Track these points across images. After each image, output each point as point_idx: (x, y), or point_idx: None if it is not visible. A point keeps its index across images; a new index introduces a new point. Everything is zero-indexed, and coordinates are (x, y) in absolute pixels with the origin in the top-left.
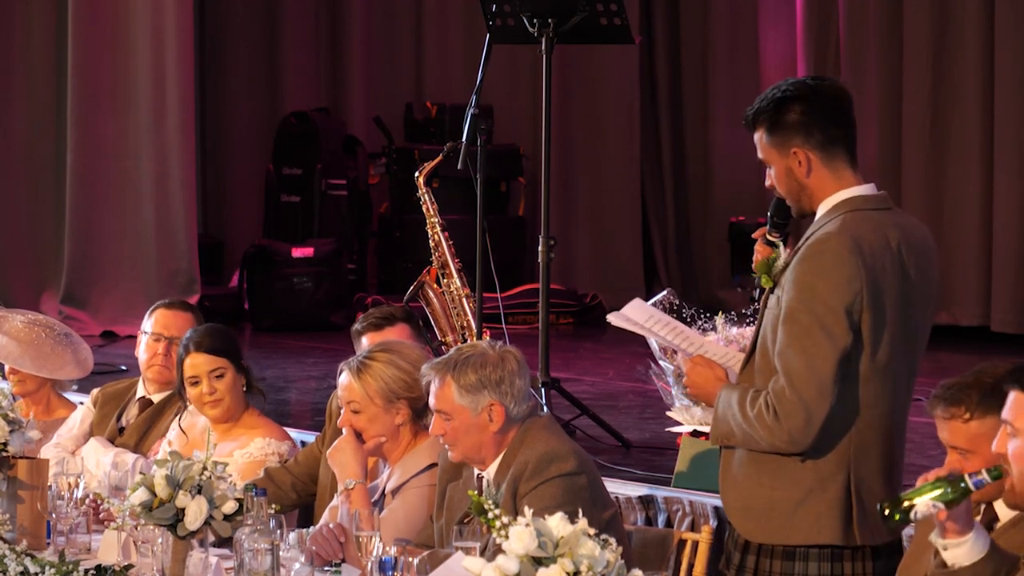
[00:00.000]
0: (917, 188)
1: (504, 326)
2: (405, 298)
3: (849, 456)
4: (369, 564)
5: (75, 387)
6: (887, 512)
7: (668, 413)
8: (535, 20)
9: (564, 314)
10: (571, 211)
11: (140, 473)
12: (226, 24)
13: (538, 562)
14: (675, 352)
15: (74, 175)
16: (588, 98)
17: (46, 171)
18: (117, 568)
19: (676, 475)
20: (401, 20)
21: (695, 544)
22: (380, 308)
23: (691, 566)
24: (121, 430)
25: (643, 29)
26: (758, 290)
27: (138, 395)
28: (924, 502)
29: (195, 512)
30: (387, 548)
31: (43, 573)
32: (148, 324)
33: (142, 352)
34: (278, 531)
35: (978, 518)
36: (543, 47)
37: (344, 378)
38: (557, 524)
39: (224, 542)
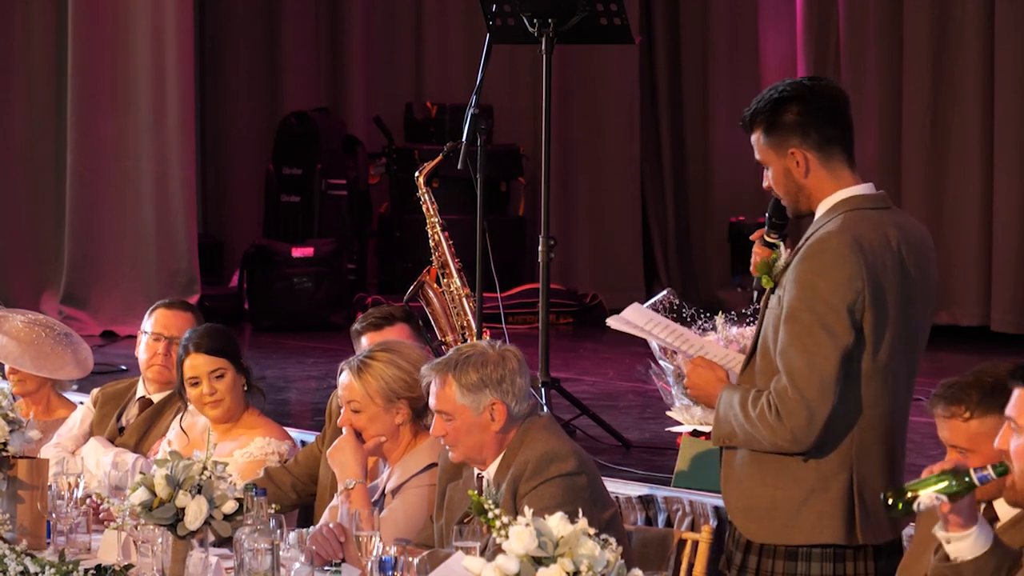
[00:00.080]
0: (917, 188)
1: (504, 326)
2: (405, 298)
3: (851, 455)
4: (369, 564)
5: (75, 387)
6: (890, 501)
7: (668, 413)
8: (535, 20)
9: (564, 314)
10: (571, 211)
11: (140, 473)
12: (226, 24)
13: (538, 562)
14: (675, 352)
15: (74, 175)
16: (588, 98)
17: (46, 171)
18: (117, 568)
19: (676, 475)
20: (401, 20)
21: (695, 544)
22: (380, 308)
23: (691, 566)
24: (121, 430)
25: (643, 29)
26: (756, 292)
27: (138, 395)
28: (928, 494)
29: (195, 512)
30: (387, 548)
31: (43, 573)
32: (148, 324)
33: (142, 352)
34: (278, 531)
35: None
36: (543, 47)
37: (344, 377)
38: (557, 524)
39: (224, 542)
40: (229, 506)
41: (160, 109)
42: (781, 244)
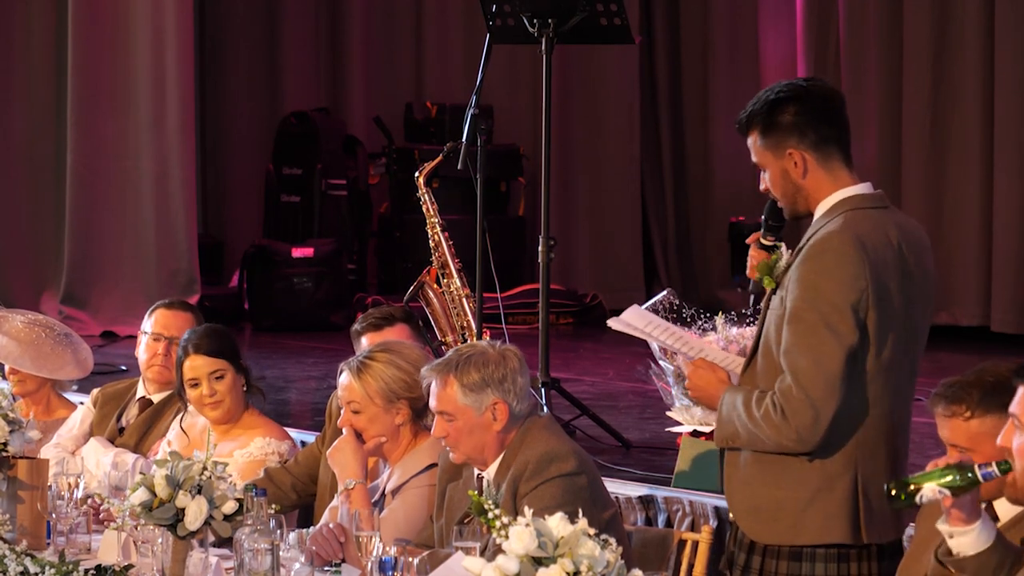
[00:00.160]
0: (917, 188)
1: (504, 326)
2: (405, 298)
3: (855, 455)
4: (369, 564)
5: (75, 387)
6: (893, 492)
7: (668, 413)
8: (535, 20)
9: (564, 314)
10: (571, 211)
11: (140, 473)
12: (226, 24)
13: (538, 562)
14: (675, 353)
15: (74, 175)
16: (588, 98)
17: (46, 171)
18: (117, 568)
19: (676, 475)
20: (401, 20)
21: (695, 544)
22: (380, 308)
23: (691, 566)
24: (121, 430)
25: (643, 29)
26: (753, 296)
27: (138, 395)
28: (931, 487)
29: (195, 512)
30: (387, 548)
31: (43, 573)
32: (148, 324)
33: (142, 352)
34: (278, 531)
35: None
36: (543, 47)
37: (344, 378)
38: (557, 524)
39: (224, 542)
40: (229, 506)
41: (160, 109)
42: (782, 245)
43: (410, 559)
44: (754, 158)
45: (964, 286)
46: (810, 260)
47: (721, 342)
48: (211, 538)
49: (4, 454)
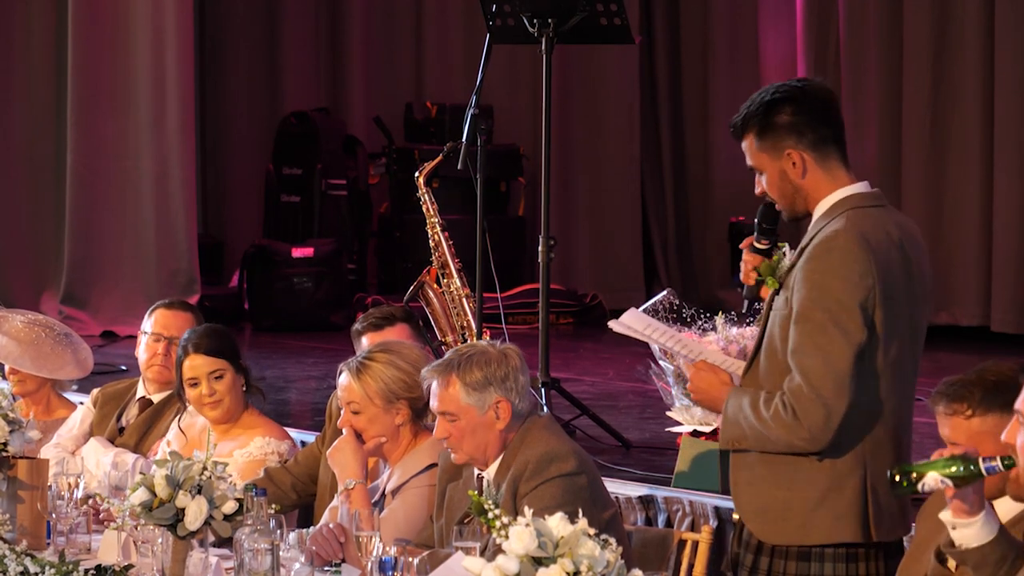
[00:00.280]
0: (917, 188)
1: (504, 326)
2: (405, 298)
3: (864, 453)
4: (369, 564)
5: (75, 387)
6: (897, 479)
7: (668, 413)
8: (535, 20)
9: (564, 314)
10: (571, 211)
11: (140, 473)
12: (226, 24)
13: (538, 562)
14: (675, 355)
15: (74, 175)
16: (588, 98)
17: (46, 171)
18: (117, 568)
19: (676, 475)
20: (401, 20)
21: (695, 544)
22: (380, 308)
23: (691, 566)
24: (121, 430)
25: (643, 29)
26: (747, 300)
27: (138, 395)
28: (933, 476)
29: (195, 512)
30: (387, 548)
31: (43, 573)
32: (148, 324)
33: (142, 352)
34: (278, 531)
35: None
36: (543, 47)
37: (344, 379)
38: (557, 524)
39: (224, 542)
40: (229, 506)
41: (160, 109)
42: (786, 245)
43: (410, 559)
44: (750, 161)
45: (964, 286)
46: (816, 259)
47: (721, 342)
48: (211, 538)
49: (4, 454)
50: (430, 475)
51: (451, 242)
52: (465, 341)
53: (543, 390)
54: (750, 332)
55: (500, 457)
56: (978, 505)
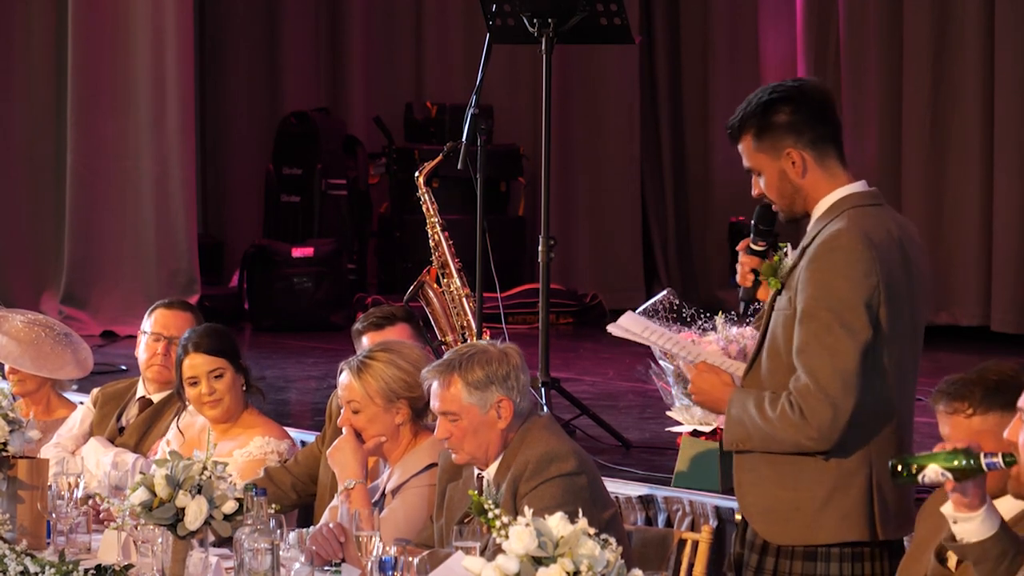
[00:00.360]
0: (917, 188)
1: (504, 326)
2: (405, 298)
3: (870, 452)
4: (369, 564)
5: (75, 387)
6: (899, 469)
7: (668, 413)
8: (535, 20)
9: (564, 314)
10: (571, 211)
11: (140, 473)
12: (226, 24)
13: (538, 562)
14: (674, 357)
15: (74, 175)
16: (588, 98)
17: (46, 171)
18: (117, 568)
19: (676, 475)
20: (401, 20)
21: (695, 544)
22: (381, 308)
23: (691, 566)
24: (121, 430)
25: (643, 29)
26: (743, 303)
27: (138, 395)
28: (934, 468)
29: (195, 512)
30: (387, 548)
31: (43, 573)
32: (148, 324)
33: (142, 352)
34: (278, 531)
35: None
36: (543, 47)
37: (344, 377)
38: (557, 524)
39: (224, 542)
40: (229, 506)
41: (160, 109)
42: (787, 245)
43: (410, 559)
44: (747, 163)
45: (964, 286)
46: (820, 259)
47: (721, 342)
48: (211, 538)
49: (4, 454)
50: (430, 475)
51: (451, 242)
52: (465, 341)
53: (543, 390)
54: (750, 332)
55: (500, 457)
56: (979, 500)
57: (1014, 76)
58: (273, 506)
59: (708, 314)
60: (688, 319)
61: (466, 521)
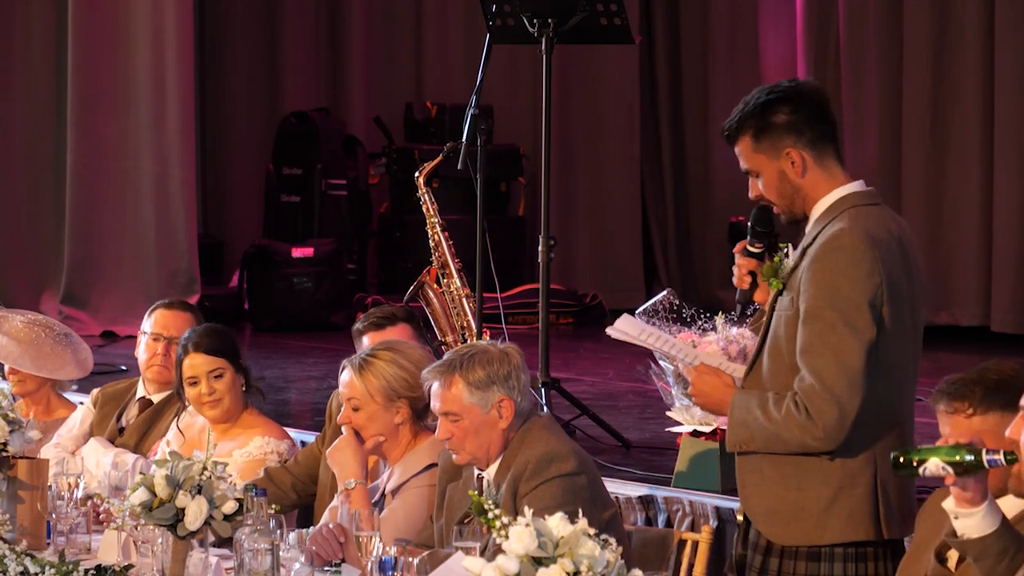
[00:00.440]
0: (917, 188)
1: (504, 326)
2: (405, 298)
3: (874, 450)
4: (369, 564)
5: (75, 387)
6: (901, 460)
7: (668, 413)
8: (535, 20)
9: (564, 314)
10: (571, 211)
11: (140, 473)
12: (226, 24)
13: (538, 562)
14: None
15: (74, 175)
16: (588, 98)
17: (46, 171)
18: (117, 568)
19: (676, 475)
20: (401, 20)
21: (695, 544)
22: (381, 308)
23: (691, 566)
24: (121, 430)
25: (643, 29)
26: (740, 305)
27: (138, 395)
28: (935, 462)
29: (195, 512)
30: (387, 548)
31: (43, 573)
32: (148, 324)
33: (142, 352)
34: (278, 531)
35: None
36: (543, 47)
37: (346, 375)
38: (557, 524)
39: (224, 542)
40: (229, 506)
41: (160, 109)
42: (788, 245)
43: (410, 559)
44: (745, 165)
45: (964, 286)
46: (823, 259)
47: (721, 342)
48: (211, 538)
49: (4, 454)
50: (430, 475)
51: (451, 242)
52: (465, 341)
53: (543, 390)
54: (750, 332)
55: (500, 457)
56: (980, 495)
57: (1014, 76)
58: (273, 506)
59: (708, 314)
60: (688, 319)
61: (466, 521)
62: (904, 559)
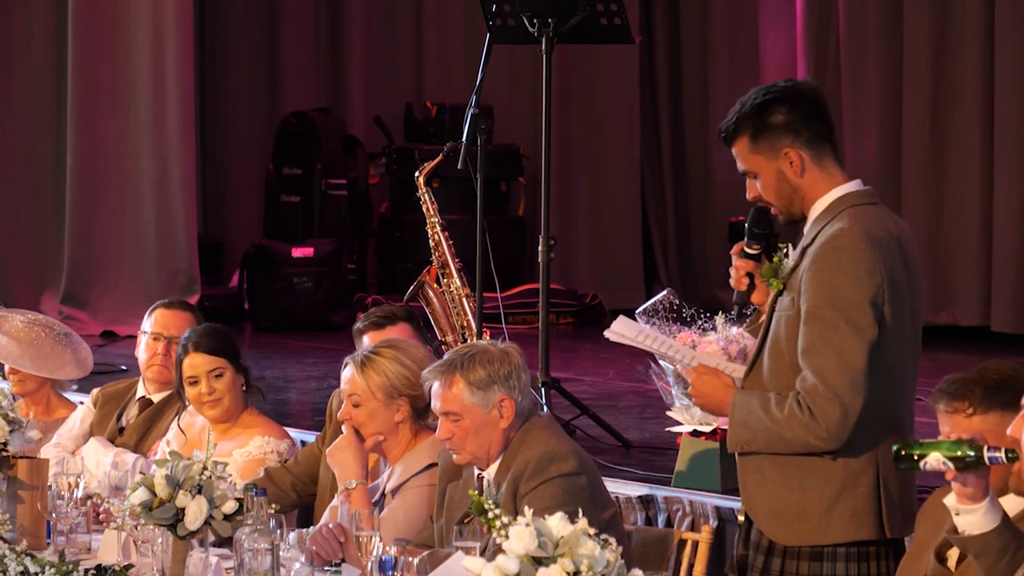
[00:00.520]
0: (917, 188)
1: (504, 326)
2: (405, 298)
3: (876, 450)
4: (369, 564)
5: (75, 387)
6: (902, 453)
7: (668, 413)
8: (535, 20)
9: (564, 314)
10: (571, 211)
11: (140, 473)
12: (226, 24)
13: (538, 562)
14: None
15: (74, 175)
16: (588, 98)
17: (46, 171)
18: (117, 568)
19: (676, 475)
20: (401, 20)
21: (695, 544)
22: (382, 307)
23: (691, 566)
24: (121, 430)
25: (643, 29)
26: (737, 307)
27: (138, 395)
28: (936, 457)
29: (195, 512)
30: (387, 548)
31: (43, 573)
32: (148, 324)
33: (142, 352)
34: (278, 531)
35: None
36: (543, 47)
37: (348, 371)
38: (557, 524)
39: (224, 542)
40: (229, 506)
41: (160, 109)
42: (788, 245)
43: (410, 559)
44: (743, 166)
45: (964, 286)
46: (823, 259)
47: (721, 342)
48: (211, 538)
49: (4, 454)
50: (430, 475)
51: (451, 242)
52: (465, 341)
53: (543, 390)
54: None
55: (500, 457)
56: (981, 492)
57: (1014, 76)
58: (273, 506)
59: (708, 314)
60: (688, 319)
61: (466, 521)
62: (904, 559)
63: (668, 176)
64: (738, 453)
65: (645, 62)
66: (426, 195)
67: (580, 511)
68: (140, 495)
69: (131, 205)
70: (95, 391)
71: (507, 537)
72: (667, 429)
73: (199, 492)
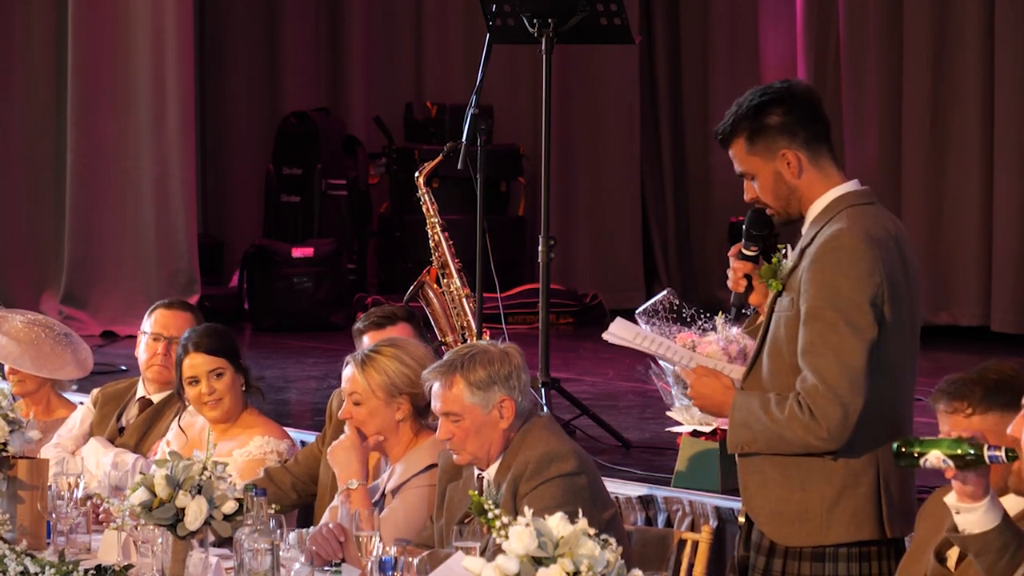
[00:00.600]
0: (917, 188)
1: (504, 326)
2: (405, 298)
3: (876, 450)
4: (369, 564)
5: (75, 387)
6: (902, 450)
7: (668, 413)
8: (535, 20)
9: (564, 314)
10: (571, 211)
11: (140, 473)
12: (226, 24)
13: (538, 562)
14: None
15: (74, 175)
16: (588, 98)
17: (46, 171)
18: (117, 568)
19: (676, 475)
20: (401, 20)
21: (695, 544)
22: (382, 307)
23: (691, 566)
24: (121, 430)
25: (643, 29)
26: (734, 308)
27: (138, 395)
28: (936, 455)
29: (195, 512)
30: (387, 548)
31: (43, 573)
32: (148, 324)
33: (142, 352)
34: (278, 531)
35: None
36: (543, 47)
37: (348, 369)
38: (557, 524)
39: (224, 542)
40: (229, 506)
41: (160, 109)
42: (787, 246)
43: (410, 559)
44: (739, 168)
45: (964, 286)
46: (822, 259)
47: (721, 342)
48: (211, 538)
49: (4, 454)
50: (430, 475)
51: (451, 242)
52: (465, 341)
53: (543, 390)
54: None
55: (500, 457)
56: (981, 490)
57: (1014, 76)
58: (273, 506)
59: (708, 314)
60: (688, 319)
61: (466, 521)
62: (904, 559)
63: (668, 176)
64: (738, 454)
65: (645, 62)
66: (426, 195)
67: (580, 511)
68: (140, 495)
69: (131, 205)
70: (95, 391)
71: (507, 537)
72: (667, 429)
73: (199, 492)
